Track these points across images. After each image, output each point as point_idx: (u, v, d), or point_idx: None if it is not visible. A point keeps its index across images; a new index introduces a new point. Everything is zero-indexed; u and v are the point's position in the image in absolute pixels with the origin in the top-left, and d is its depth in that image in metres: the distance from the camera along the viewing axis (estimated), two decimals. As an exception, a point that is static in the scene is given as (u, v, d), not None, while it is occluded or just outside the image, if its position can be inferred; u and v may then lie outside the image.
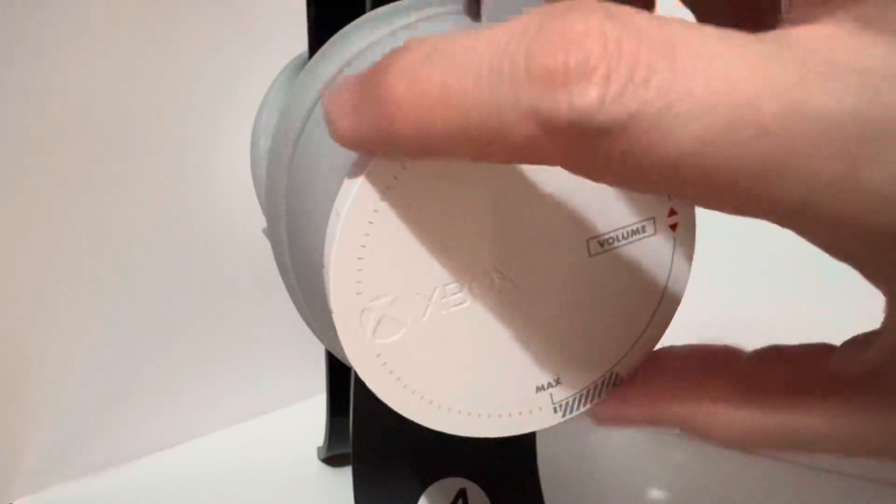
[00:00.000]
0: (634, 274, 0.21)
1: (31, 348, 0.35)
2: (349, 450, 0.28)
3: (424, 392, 0.20)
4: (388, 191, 0.18)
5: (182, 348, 0.40)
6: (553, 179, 0.20)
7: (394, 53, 0.17)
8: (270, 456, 0.40)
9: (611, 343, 0.21)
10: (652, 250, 0.21)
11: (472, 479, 0.29)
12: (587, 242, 0.20)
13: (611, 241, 0.21)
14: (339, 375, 0.36)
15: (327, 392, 0.37)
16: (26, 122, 0.33)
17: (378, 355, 0.20)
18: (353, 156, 0.19)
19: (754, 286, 0.41)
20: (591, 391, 0.21)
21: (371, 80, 0.17)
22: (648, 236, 0.21)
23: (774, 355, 0.19)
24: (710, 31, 0.14)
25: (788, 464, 0.40)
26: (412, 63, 0.16)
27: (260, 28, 0.40)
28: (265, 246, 0.27)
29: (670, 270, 0.21)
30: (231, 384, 0.43)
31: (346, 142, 0.18)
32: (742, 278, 0.41)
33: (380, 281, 0.19)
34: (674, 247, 0.21)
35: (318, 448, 0.39)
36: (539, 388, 0.21)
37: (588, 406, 0.22)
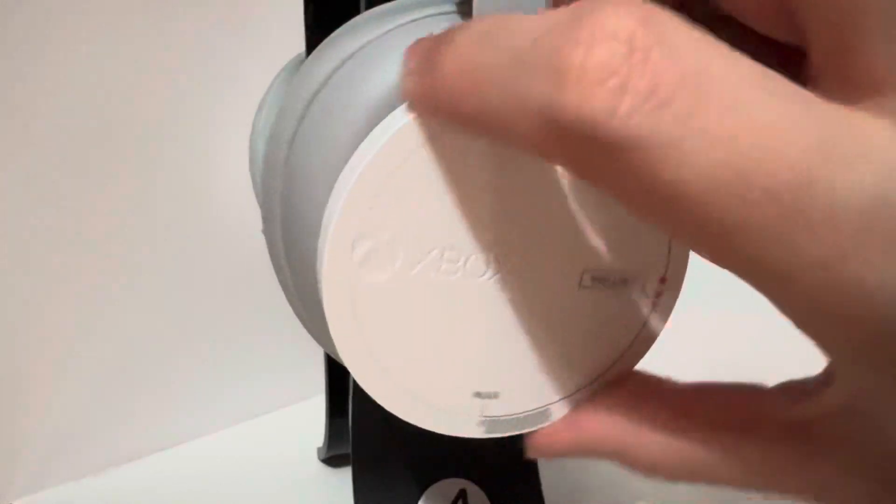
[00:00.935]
0: (606, 322, 0.21)
1: (30, 348, 0.35)
2: (349, 450, 0.28)
3: (380, 351, 0.20)
4: (418, 149, 0.18)
5: (182, 348, 0.40)
6: (577, 197, 0.20)
7: (460, 26, 0.17)
8: (270, 456, 0.40)
9: (561, 379, 0.21)
10: (630, 308, 0.21)
11: (472, 480, 0.29)
12: (581, 274, 0.20)
13: (602, 281, 0.20)
14: (339, 376, 0.36)
15: (327, 392, 0.37)
16: (25, 123, 0.33)
17: (352, 297, 0.19)
18: (347, 158, 0.19)
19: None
20: (522, 419, 0.21)
21: (433, 51, 0.17)
22: (633, 292, 0.21)
23: (708, 389, 0.20)
24: (750, 71, 0.14)
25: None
26: (466, 38, 0.16)
27: (259, 28, 0.40)
28: (265, 246, 0.27)
29: (637, 335, 0.21)
30: (231, 384, 0.43)
31: (406, 95, 0.18)
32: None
33: (388, 217, 0.19)
34: (650, 313, 0.21)
35: (318, 448, 0.39)
36: (476, 394, 0.21)
37: (511, 431, 0.21)
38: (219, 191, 0.40)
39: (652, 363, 0.22)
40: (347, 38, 0.23)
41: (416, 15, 0.23)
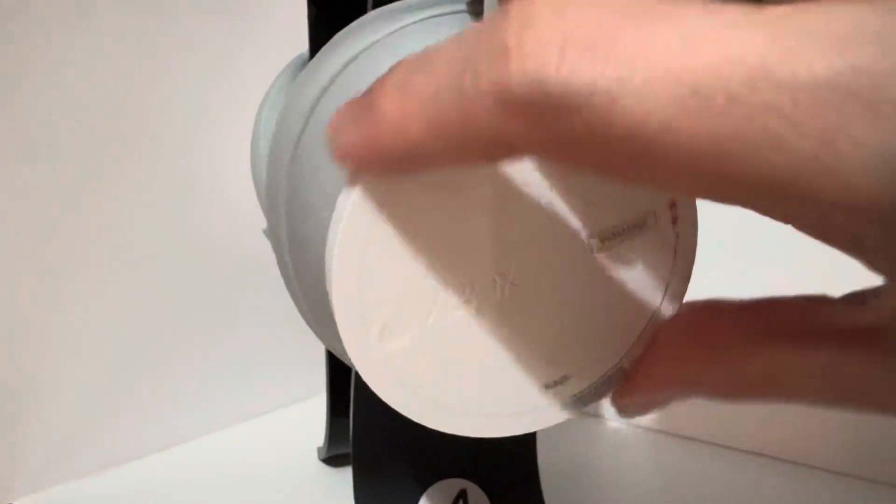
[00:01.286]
0: (637, 269, 0.21)
1: (31, 349, 0.35)
2: (349, 450, 0.28)
3: (432, 395, 0.20)
4: (383, 206, 0.18)
5: (182, 348, 0.40)
6: (550, 180, 0.20)
7: (390, 69, 0.17)
8: (270, 456, 0.40)
9: (618, 336, 0.21)
10: (654, 244, 0.21)
11: (472, 480, 0.29)
12: (588, 241, 0.20)
13: (612, 237, 0.20)
14: (339, 375, 0.36)
15: (327, 392, 0.37)
16: (25, 123, 0.33)
17: (384, 361, 0.19)
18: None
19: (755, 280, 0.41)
20: (602, 384, 0.21)
21: (366, 97, 0.17)
22: (649, 230, 0.21)
23: (769, 304, 0.19)
24: (691, 2, 0.14)
25: (788, 464, 0.40)
26: (400, 75, 0.16)
27: (260, 28, 0.40)
28: (265, 246, 0.27)
29: (673, 263, 0.21)
30: (231, 384, 0.43)
31: (341, 158, 0.18)
32: (744, 273, 0.41)
33: (382, 288, 0.19)
34: (676, 240, 0.21)
35: (319, 448, 0.39)
36: (547, 386, 0.21)
37: (599, 398, 0.22)
38: (219, 190, 0.40)
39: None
40: (354, 38, 0.23)
41: (424, 14, 0.23)
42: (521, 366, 0.21)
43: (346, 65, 0.23)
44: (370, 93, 0.17)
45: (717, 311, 0.20)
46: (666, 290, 0.21)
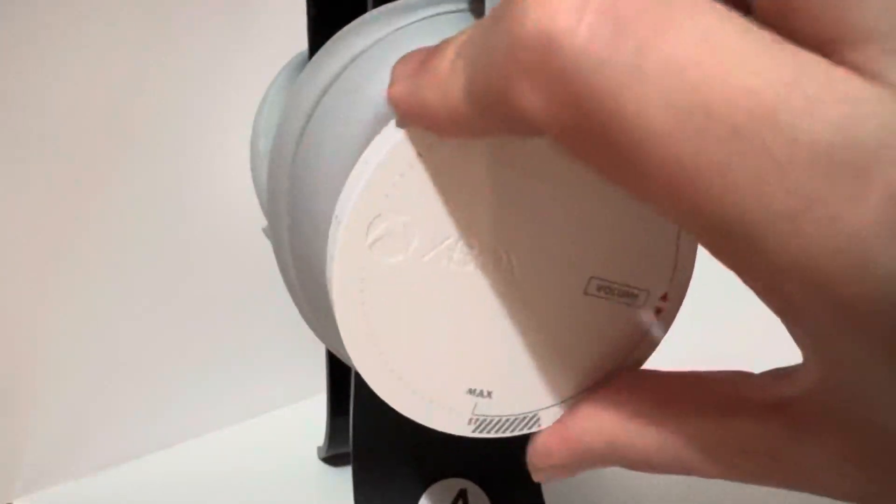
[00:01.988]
0: (606, 335, 0.21)
1: (31, 348, 0.35)
2: (349, 449, 0.28)
3: (381, 335, 0.20)
4: (420, 157, 0.19)
5: (182, 348, 0.40)
6: (590, 204, 0.20)
7: (455, 35, 0.17)
8: (270, 456, 0.40)
9: (555, 384, 0.21)
10: (630, 321, 0.21)
11: (472, 480, 0.29)
12: (588, 281, 0.20)
13: (608, 290, 0.21)
14: (340, 375, 0.36)
15: (328, 392, 0.37)
16: (26, 122, 0.33)
17: (362, 269, 0.19)
18: (360, 154, 0.20)
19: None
20: (511, 421, 0.21)
21: (428, 55, 0.18)
22: (636, 305, 0.21)
23: (697, 376, 0.19)
24: (717, 7, 0.13)
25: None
26: (458, 42, 0.17)
27: (260, 28, 0.40)
28: (265, 245, 0.27)
29: (635, 349, 0.21)
30: (231, 384, 0.43)
31: (395, 104, 0.18)
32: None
33: (405, 202, 0.19)
34: (649, 328, 0.21)
35: (318, 448, 0.39)
36: (469, 391, 0.21)
37: (502, 433, 0.21)
38: (219, 190, 0.40)
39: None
40: (356, 36, 0.23)
41: (425, 13, 0.23)
42: (465, 355, 0.20)
43: (348, 64, 0.23)
44: (431, 52, 0.17)
45: (645, 380, 0.20)
46: (613, 369, 0.21)
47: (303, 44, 0.29)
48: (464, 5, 0.23)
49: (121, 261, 0.37)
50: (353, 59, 0.23)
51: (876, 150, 0.12)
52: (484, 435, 0.21)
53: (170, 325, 0.40)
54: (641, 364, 0.22)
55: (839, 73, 0.13)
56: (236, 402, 0.43)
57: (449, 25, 0.23)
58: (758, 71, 0.13)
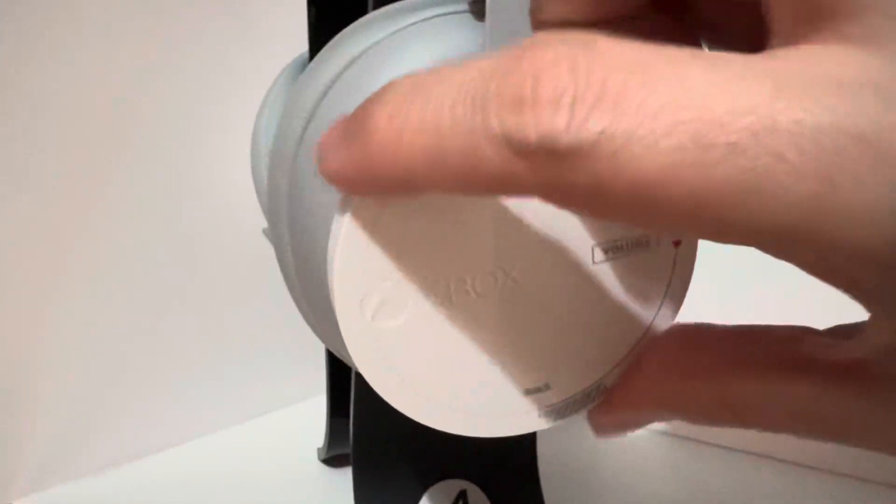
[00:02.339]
0: (633, 286, 0.21)
1: (32, 349, 0.35)
2: (349, 450, 0.28)
3: (417, 383, 0.20)
4: (377, 221, 0.19)
5: (183, 348, 0.40)
6: None
7: (378, 92, 0.17)
8: (270, 456, 0.40)
9: (604, 352, 0.21)
10: (652, 264, 0.21)
11: (472, 481, 0.29)
12: (592, 249, 0.20)
13: (614, 250, 0.21)
14: (340, 376, 0.36)
15: (327, 392, 0.37)
16: (26, 123, 0.33)
17: (376, 341, 0.19)
18: None
19: (751, 296, 0.42)
20: (581, 398, 0.21)
21: (356, 118, 0.17)
22: (651, 250, 0.21)
23: (755, 333, 0.19)
24: (684, 52, 0.14)
25: (788, 464, 0.40)
26: (393, 100, 0.17)
27: (260, 29, 0.40)
28: (265, 246, 0.27)
29: (668, 286, 0.21)
30: (232, 384, 0.43)
31: (332, 179, 0.18)
32: (739, 288, 0.41)
33: (385, 266, 0.19)
34: (674, 263, 0.21)
35: (319, 449, 0.39)
36: (528, 391, 0.21)
37: (577, 412, 0.21)
38: (220, 191, 0.40)
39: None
40: (356, 37, 0.23)
41: (425, 14, 0.23)
42: (506, 366, 0.21)
43: (348, 65, 0.23)
44: (360, 115, 0.17)
45: (702, 336, 0.20)
46: (658, 312, 0.21)
47: (303, 45, 0.29)
48: (463, 7, 0.23)
49: (122, 262, 0.37)
50: (354, 60, 0.23)
51: (882, 124, 0.13)
52: (565, 419, 0.21)
53: (171, 326, 0.40)
54: (679, 303, 0.22)
55: (822, 58, 0.14)
56: (237, 403, 0.43)
57: (448, 27, 0.23)
58: (740, 93, 0.13)
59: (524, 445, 0.31)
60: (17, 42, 0.32)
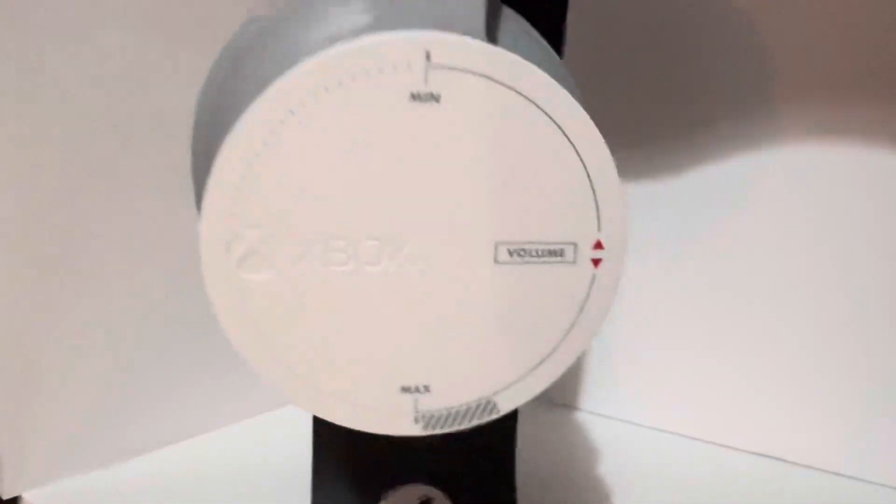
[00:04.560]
0: (538, 300, 0.19)
1: (40, 344, 0.36)
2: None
3: (283, 350, 0.18)
4: (282, 124, 0.17)
5: (186, 346, 0.41)
6: (471, 161, 0.18)
7: None
8: (270, 457, 0.41)
9: (496, 367, 0.19)
10: (566, 280, 0.19)
11: (439, 487, 0.27)
12: (496, 246, 0.19)
13: (522, 254, 0.19)
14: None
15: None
16: (27, 121, 0.34)
17: (240, 293, 0.18)
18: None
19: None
20: (463, 412, 0.20)
21: None
22: (566, 263, 0.19)
23: None
24: None
25: (788, 464, 0.39)
26: None
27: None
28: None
29: (582, 309, 0.19)
30: (232, 384, 0.43)
31: None
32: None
33: (257, 210, 0.17)
34: (591, 284, 0.19)
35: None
36: (405, 389, 0.19)
37: (457, 427, 0.20)
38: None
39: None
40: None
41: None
42: (382, 354, 0.19)
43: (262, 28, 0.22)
44: None
45: None
46: (565, 337, 0.19)
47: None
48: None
49: (125, 259, 0.38)
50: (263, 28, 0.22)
51: None
52: (437, 431, 0.20)
53: (175, 323, 0.40)
54: (595, 330, 0.20)
55: None
56: (237, 401, 0.44)
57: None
58: None
59: (501, 450, 0.29)
60: (17, 42, 0.33)
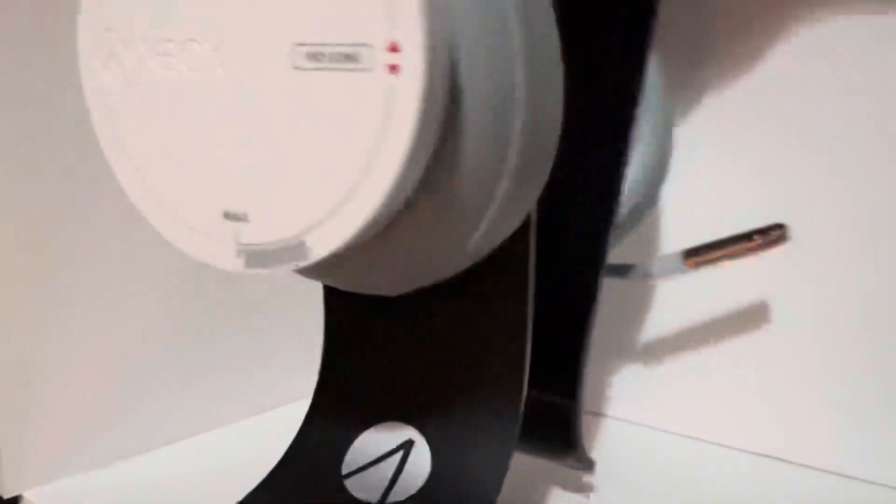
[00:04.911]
0: (340, 119, 0.16)
1: (41, 343, 0.36)
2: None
3: (135, 158, 0.18)
4: None
5: (187, 346, 0.41)
6: None
7: None
8: (270, 456, 0.40)
9: (306, 200, 0.17)
10: (363, 92, 0.16)
11: (423, 433, 0.25)
12: (293, 48, 0.16)
13: (318, 57, 0.16)
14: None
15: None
16: (27, 121, 0.34)
17: (103, 97, 0.18)
18: None
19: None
20: (279, 252, 0.18)
21: None
22: (362, 70, 0.16)
23: None
24: None
25: (788, 463, 0.38)
26: None
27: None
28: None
29: (383, 128, 0.16)
30: (232, 383, 0.43)
31: None
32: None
33: (117, 13, 0.17)
34: (389, 96, 0.16)
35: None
36: (228, 216, 0.18)
37: (278, 267, 0.18)
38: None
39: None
40: None
41: None
42: (208, 171, 0.18)
43: None
44: None
45: None
46: (368, 164, 0.16)
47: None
48: None
49: (126, 258, 0.38)
50: None
51: None
52: (256, 270, 0.18)
53: (175, 323, 0.41)
54: (403, 158, 0.16)
55: None
56: (237, 401, 0.44)
57: None
58: None
59: (506, 417, 0.25)
60: (17, 41, 0.33)
